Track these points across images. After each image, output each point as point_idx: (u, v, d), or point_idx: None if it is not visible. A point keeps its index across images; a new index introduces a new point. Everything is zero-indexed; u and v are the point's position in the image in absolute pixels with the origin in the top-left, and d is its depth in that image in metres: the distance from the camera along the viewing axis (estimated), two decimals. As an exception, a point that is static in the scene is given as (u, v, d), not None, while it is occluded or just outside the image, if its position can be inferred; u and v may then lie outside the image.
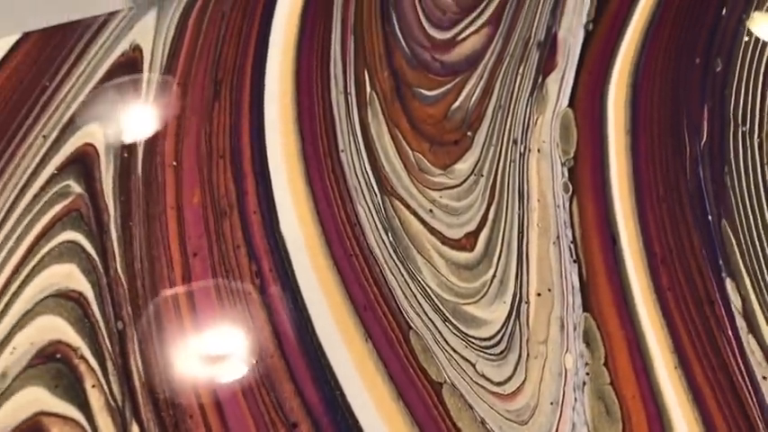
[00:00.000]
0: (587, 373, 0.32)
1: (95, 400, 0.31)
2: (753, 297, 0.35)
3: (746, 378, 0.32)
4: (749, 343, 0.33)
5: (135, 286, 0.34)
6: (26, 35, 0.43)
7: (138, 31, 0.44)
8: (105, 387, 0.31)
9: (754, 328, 0.34)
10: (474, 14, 0.46)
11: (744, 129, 0.41)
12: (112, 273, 0.34)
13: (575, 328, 0.33)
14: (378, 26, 0.45)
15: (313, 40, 0.44)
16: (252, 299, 0.34)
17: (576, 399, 0.31)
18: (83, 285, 0.34)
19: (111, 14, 0.46)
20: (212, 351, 0.32)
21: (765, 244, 0.36)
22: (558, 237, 0.36)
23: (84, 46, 0.43)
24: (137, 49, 0.43)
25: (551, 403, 0.31)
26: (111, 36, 0.43)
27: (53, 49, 0.42)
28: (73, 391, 0.31)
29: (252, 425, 0.30)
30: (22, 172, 0.38)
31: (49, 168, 0.38)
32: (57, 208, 0.37)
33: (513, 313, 0.34)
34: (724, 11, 0.47)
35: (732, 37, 0.45)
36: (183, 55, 0.43)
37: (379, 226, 0.36)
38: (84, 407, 0.31)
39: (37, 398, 0.31)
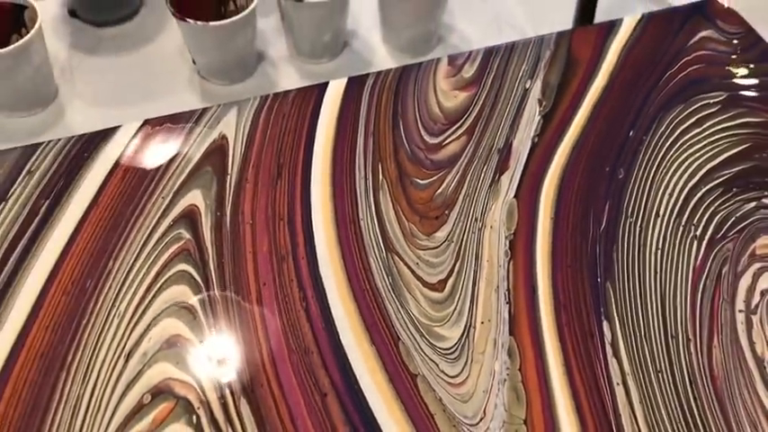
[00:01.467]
0: (507, 374, 0.51)
1: (204, 373, 0.49)
2: (619, 333, 0.53)
3: (607, 383, 0.51)
4: (612, 362, 0.52)
5: (226, 301, 0.53)
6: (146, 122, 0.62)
7: (224, 124, 0.63)
8: (210, 361, 0.50)
9: (616, 354, 0.52)
10: (456, 125, 0.65)
11: (631, 220, 0.60)
12: (212, 292, 0.53)
13: (503, 346, 0.52)
14: (389, 131, 0.65)
15: (345, 139, 0.63)
16: (300, 315, 0.52)
17: (498, 390, 0.50)
18: (192, 300, 0.53)
19: (205, 109, 0.65)
20: (273, 342, 0.51)
21: (631, 300, 0.55)
22: (497, 286, 0.55)
23: (188, 132, 0.62)
24: (224, 137, 0.62)
25: (483, 391, 0.50)
26: (206, 127, 0.63)
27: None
28: (188, 365, 0.50)
29: (297, 386, 0.49)
30: (150, 221, 0.56)
31: (167, 220, 0.57)
32: (173, 248, 0.55)
33: (465, 334, 0.53)
34: (631, 132, 0.66)
35: (633, 153, 0.65)
36: (257, 143, 0.62)
37: (383, 272, 0.55)
38: (196, 377, 0.49)
39: (165, 370, 0.50)
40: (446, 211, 0.59)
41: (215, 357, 0.50)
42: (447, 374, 0.51)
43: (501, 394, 0.50)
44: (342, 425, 0.47)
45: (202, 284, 0.53)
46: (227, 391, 0.48)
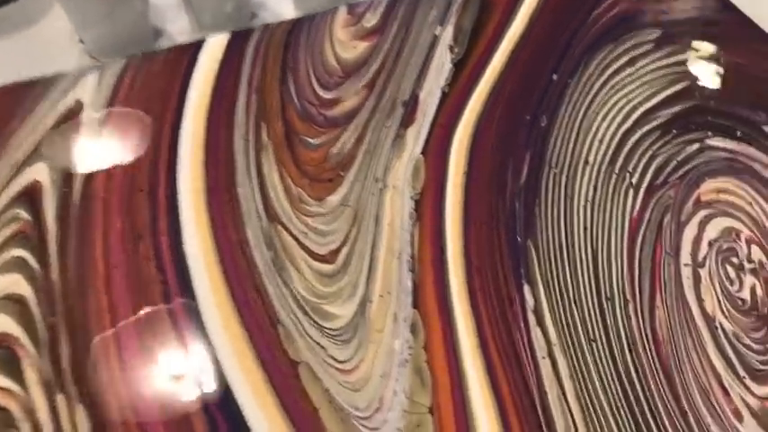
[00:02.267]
0: (410, 354, 0.41)
1: (30, 376, 0.40)
2: (543, 298, 0.44)
3: (530, 356, 0.42)
4: (535, 332, 0.43)
5: (67, 289, 0.43)
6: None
7: (81, 88, 0.53)
8: (38, 366, 0.40)
9: (540, 321, 0.43)
10: (355, 78, 0.56)
11: (555, 170, 0.51)
12: (50, 281, 0.43)
13: (405, 320, 0.43)
14: (276, 86, 0.55)
15: (223, 98, 0.54)
16: (157, 299, 0.43)
17: (399, 373, 0.41)
18: (25, 290, 0.43)
19: (62, 74, 0.55)
20: (123, 333, 0.41)
21: (557, 259, 0.47)
22: (400, 253, 0.46)
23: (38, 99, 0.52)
24: (78, 103, 0.53)
25: (381, 376, 0.41)
26: (59, 91, 0.53)
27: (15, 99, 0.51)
28: (12, 368, 0.40)
29: (148, 379, 0.39)
30: (-18, 201, 0.46)
31: (3, 200, 0.47)
32: (7, 231, 0.45)
33: (359, 310, 0.43)
34: (555, 76, 0.58)
35: (558, 98, 0.56)
36: (117, 107, 0.53)
37: (263, 244, 0.46)
38: (21, 381, 0.40)
39: (-13, 374, 0.40)
40: (341, 173, 0.50)
41: (49, 358, 0.40)
42: (336, 359, 0.41)
43: (401, 378, 0.40)
44: (202, 425, 0.38)
45: (39, 272, 0.43)
46: (62, 397, 0.39)
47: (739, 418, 0.41)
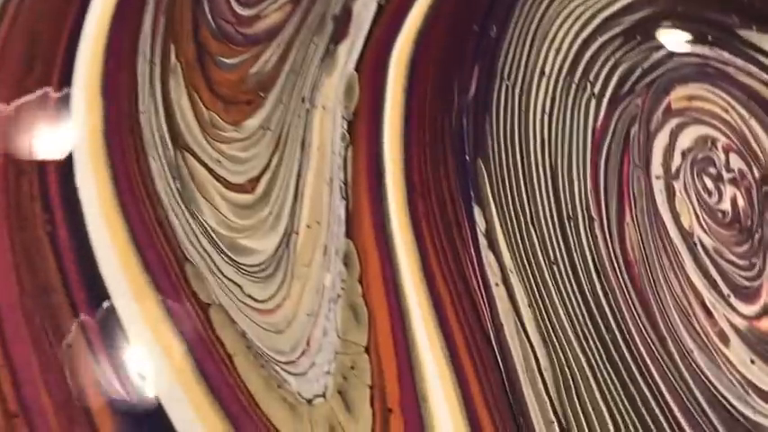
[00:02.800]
0: (342, 288, 0.35)
1: None
2: (496, 220, 0.38)
3: (481, 284, 0.36)
4: (487, 257, 0.37)
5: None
6: None
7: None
8: None
9: (493, 245, 0.37)
10: (278, -7, 0.49)
11: (508, 83, 0.45)
12: None
13: (336, 253, 0.36)
14: (188, 6, 0.48)
15: (125, 20, 0.47)
16: (41, 243, 0.36)
17: (330, 309, 0.35)
18: None
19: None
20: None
21: (512, 177, 0.40)
22: (331, 178, 0.39)
23: None
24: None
25: (308, 314, 0.34)
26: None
27: None
28: None
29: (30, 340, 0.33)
30: None
31: None
32: None
33: (283, 243, 0.37)
34: (505, -15, 0.51)
35: (508, 6, 0.50)
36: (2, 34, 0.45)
37: (169, 175, 0.39)
38: None
39: None
40: (262, 94, 0.43)
41: None
42: (254, 299, 0.35)
43: (332, 316, 0.34)
44: (92, 385, 0.31)
45: None
46: None
47: (725, 340, 0.35)
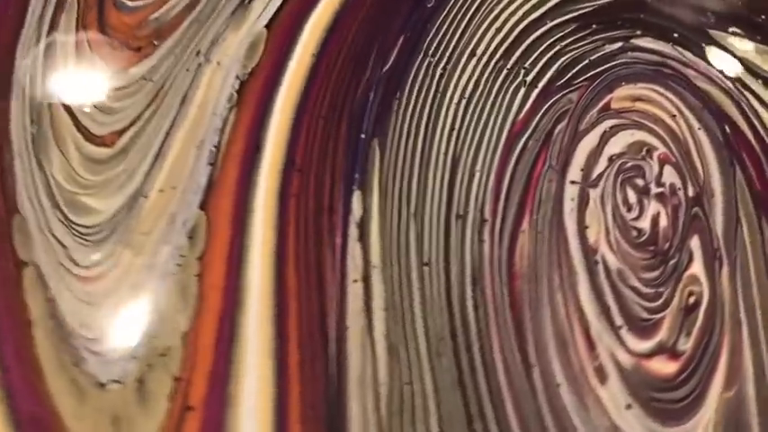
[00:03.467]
0: (178, 265, 0.31)
1: None
2: (374, 209, 0.34)
3: (338, 278, 0.32)
4: (353, 249, 0.32)
5: None
6: None
7: None
8: None
9: (363, 236, 0.33)
10: (206, -63, 0.45)
11: (432, 59, 0.40)
12: None
13: (183, 224, 0.32)
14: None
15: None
16: None
17: (157, 287, 0.31)
18: None
19: None
20: None
21: (406, 164, 0.36)
22: (202, 141, 0.35)
23: None
24: None
25: (131, 288, 0.30)
26: None
27: None
28: None
29: None
30: None
31: None
32: None
33: (127, 206, 0.33)
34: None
35: (455, -22, 0.44)
36: None
37: (27, 117, 0.35)
38: None
39: None
40: (155, 42, 0.39)
41: None
42: (78, 264, 0.31)
43: (158, 294, 0.30)
44: None
45: None
46: None
47: (602, 378, 0.30)
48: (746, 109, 0.40)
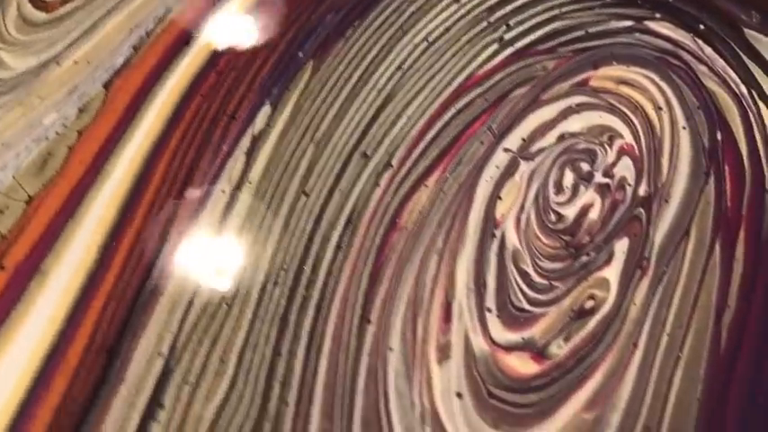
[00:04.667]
0: (57, 133, 0.30)
1: None
2: (279, 127, 0.31)
3: (207, 184, 0.29)
4: (237, 160, 0.30)
5: None
6: None
7: None
8: None
9: (253, 151, 0.31)
10: None
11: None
12: None
13: (81, 97, 0.31)
14: None
15: None
16: None
17: (28, 148, 0.30)
18: None
19: None
20: None
21: (335, 89, 0.33)
22: (138, 25, 0.34)
23: None
24: None
25: (2, 144, 0.30)
26: None
27: None
28: None
29: None
30: None
31: None
32: None
33: (36, 69, 0.32)
34: None
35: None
36: None
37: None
38: None
39: None
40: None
41: None
42: (-34, 109, 0.31)
43: (25, 155, 0.29)
44: None
45: None
46: None
47: (443, 357, 0.26)
48: (754, 121, 0.33)
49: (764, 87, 0.35)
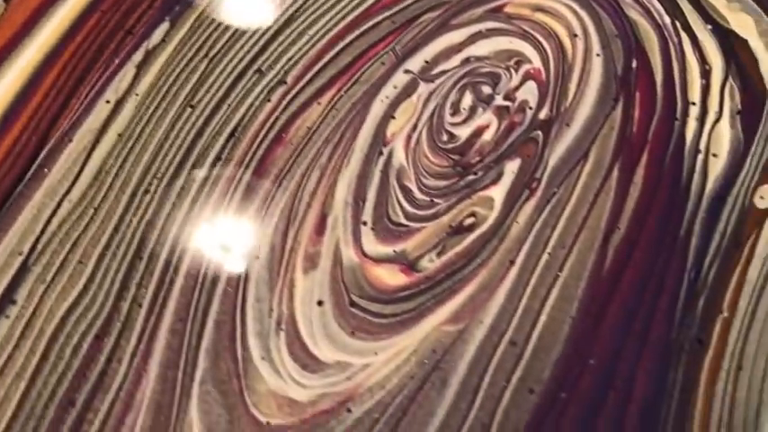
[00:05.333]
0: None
1: None
2: (173, 43, 0.31)
3: (91, 96, 0.29)
4: (127, 72, 0.30)
5: None
6: None
7: None
8: None
9: (144, 64, 0.30)
10: None
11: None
12: None
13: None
14: None
15: None
16: None
17: None
18: None
19: None
20: None
21: (241, 7, 0.32)
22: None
23: None
24: None
25: None
26: None
27: None
28: None
29: None
30: None
31: None
32: None
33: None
34: None
35: None
36: None
37: None
38: None
39: None
40: None
41: None
42: None
43: None
44: None
45: None
46: None
47: (310, 265, 0.25)
48: (673, 50, 0.32)
49: (689, 18, 0.33)
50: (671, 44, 0.32)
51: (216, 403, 0.22)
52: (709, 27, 0.33)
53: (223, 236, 0.26)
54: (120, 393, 0.22)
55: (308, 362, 0.23)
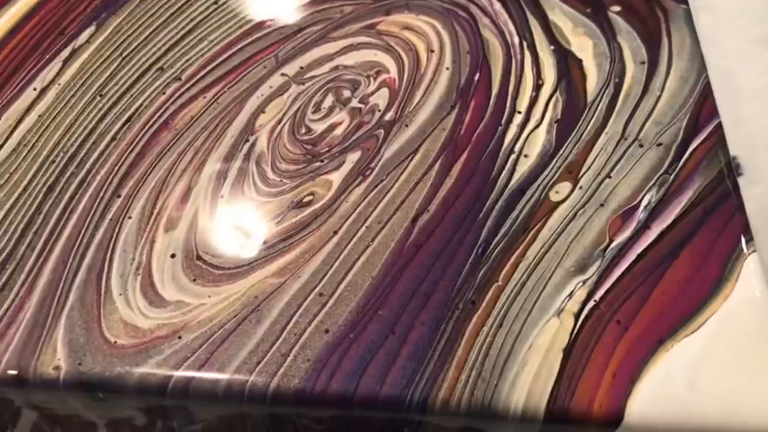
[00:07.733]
0: None
1: None
2: (95, 44, 0.37)
3: (20, 84, 0.35)
4: (53, 67, 0.36)
5: None
6: None
7: None
8: None
9: (69, 60, 0.36)
10: None
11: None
12: None
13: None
14: None
15: None
16: None
17: None
18: None
19: None
20: None
21: (160, 18, 0.38)
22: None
23: None
24: None
25: None
26: None
27: None
28: None
29: None
30: None
31: None
32: None
33: None
34: None
35: None
36: None
37: None
38: None
39: None
40: None
41: None
42: None
43: None
44: None
45: None
46: None
47: (171, 226, 0.31)
48: (514, 67, 0.37)
49: (536, 39, 0.38)
50: (514, 61, 0.37)
51: (78, 326, 0.28)
52: (552, 47, 0.38)
53: (106, 199, 0.32)
54: (8, 313, 0.29)
55: (155, 299, 0.29)
